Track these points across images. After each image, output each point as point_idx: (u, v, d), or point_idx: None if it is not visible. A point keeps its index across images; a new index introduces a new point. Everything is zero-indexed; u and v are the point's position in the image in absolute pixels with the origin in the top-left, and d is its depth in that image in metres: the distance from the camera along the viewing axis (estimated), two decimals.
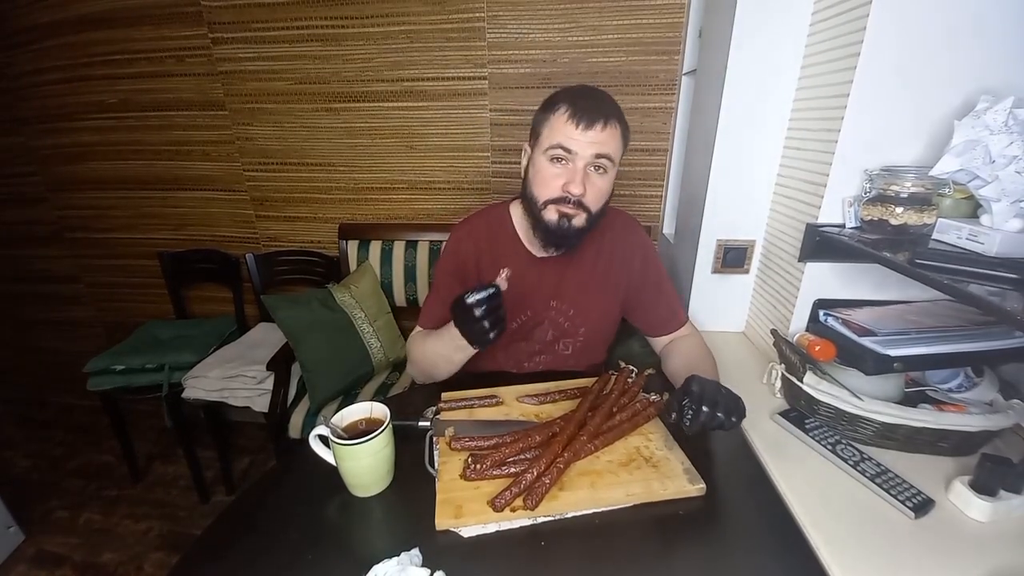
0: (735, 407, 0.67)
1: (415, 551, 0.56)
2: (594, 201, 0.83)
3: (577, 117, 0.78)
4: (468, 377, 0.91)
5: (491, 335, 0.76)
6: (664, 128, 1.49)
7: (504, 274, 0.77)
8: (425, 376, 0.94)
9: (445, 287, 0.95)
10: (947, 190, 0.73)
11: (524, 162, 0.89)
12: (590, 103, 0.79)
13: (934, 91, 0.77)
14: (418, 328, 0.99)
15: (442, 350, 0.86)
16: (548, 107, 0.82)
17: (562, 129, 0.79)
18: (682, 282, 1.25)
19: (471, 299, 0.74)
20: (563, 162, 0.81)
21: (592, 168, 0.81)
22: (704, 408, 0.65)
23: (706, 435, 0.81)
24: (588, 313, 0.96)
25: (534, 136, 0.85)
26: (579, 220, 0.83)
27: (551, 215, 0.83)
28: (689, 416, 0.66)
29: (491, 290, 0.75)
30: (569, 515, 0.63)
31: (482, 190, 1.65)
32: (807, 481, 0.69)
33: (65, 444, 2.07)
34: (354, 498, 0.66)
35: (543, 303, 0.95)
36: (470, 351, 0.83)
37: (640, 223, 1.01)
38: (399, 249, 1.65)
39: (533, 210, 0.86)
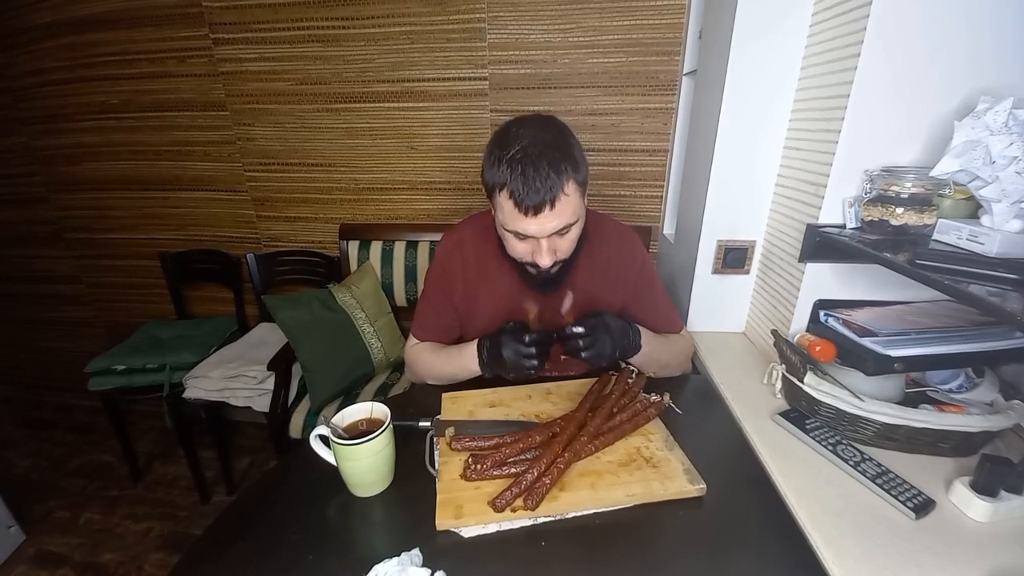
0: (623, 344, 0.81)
1: (415, 551, 0.56)
2: (565, 253, 0.81)
3: (523, 206, 0.72)
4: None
5: (530, 371, 0.80)
6: (664, 128, 1.49)
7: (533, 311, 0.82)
8: (427, 381, 0.94)
9: (435, 297, 0.95)
10: (947, 191, 0.73)
11: (492, 208, 0.82)
12: (531, 186, 0.71)
13: (934, 91, 0.77)
14: (414, 340, 0.97)
15: (458, 370, 0.90)
16: (492, 175, 0.76)
17: (511, 216, 0.75)
18: (682, 282, 1.25)
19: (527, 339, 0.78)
20: (524, 239, 0.78)
21: (556, 235, 0.77)
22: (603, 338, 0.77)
23: (706, 435, 0.81)
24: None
25: (488, 194, 0.79)
26: (555, 268, 0.82)
27: (527, 267, 0.83)
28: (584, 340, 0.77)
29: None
30: (569, 515, 0.63)
31: (482, 191, 1.64)
32: (807, 481, 0.69)
33: (65, 444, 2.07)
34: (354, 498, 0.66)
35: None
36: (477, 372, 0.87)
37: (638, 236, 0.99)
38: (400, 249, 1.65)
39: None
